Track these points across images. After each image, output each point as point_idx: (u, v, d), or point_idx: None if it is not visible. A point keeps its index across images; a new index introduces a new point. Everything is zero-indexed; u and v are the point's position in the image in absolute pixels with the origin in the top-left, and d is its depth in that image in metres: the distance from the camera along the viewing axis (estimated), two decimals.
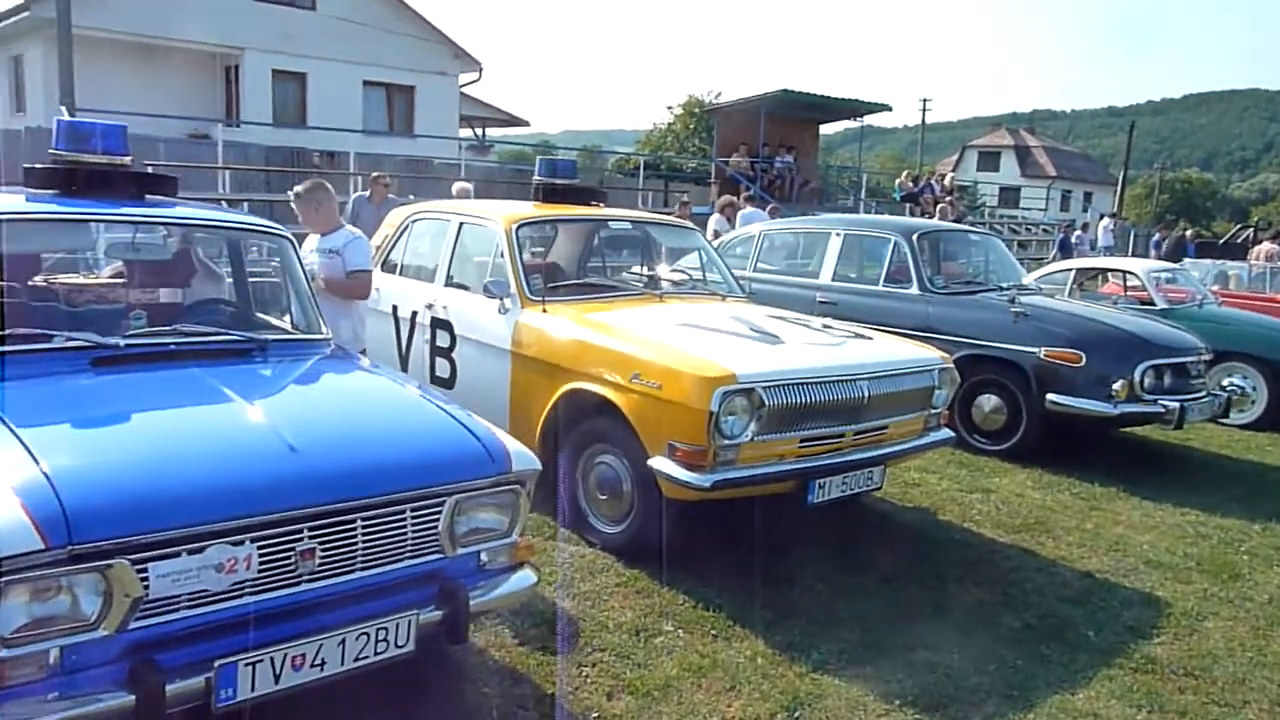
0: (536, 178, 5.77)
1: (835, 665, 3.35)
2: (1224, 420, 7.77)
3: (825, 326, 4.74)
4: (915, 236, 6.97)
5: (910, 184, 23.94)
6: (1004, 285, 6.88)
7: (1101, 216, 26.42)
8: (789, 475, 3.99)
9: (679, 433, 3.79)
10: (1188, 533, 5.05)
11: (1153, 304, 8.51)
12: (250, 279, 4.19)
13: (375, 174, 9.84)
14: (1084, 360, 5.90)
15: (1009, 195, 48.40)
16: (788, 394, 3.87)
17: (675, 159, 32.60)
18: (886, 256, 7.07)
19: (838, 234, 7.48)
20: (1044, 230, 25.81)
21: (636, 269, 5.68)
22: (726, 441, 3.77)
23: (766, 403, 3.80)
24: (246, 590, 2.31)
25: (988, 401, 6.37)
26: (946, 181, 24.85)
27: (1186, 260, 12.81)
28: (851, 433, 4.19)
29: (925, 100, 49.49)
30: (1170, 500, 5.58)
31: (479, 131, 32.74)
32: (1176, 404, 5.88)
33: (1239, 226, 15.77)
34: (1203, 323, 8.19)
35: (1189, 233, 18.56)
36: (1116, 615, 3.95)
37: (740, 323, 4.47)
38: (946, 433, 4.76)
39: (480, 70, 26.50)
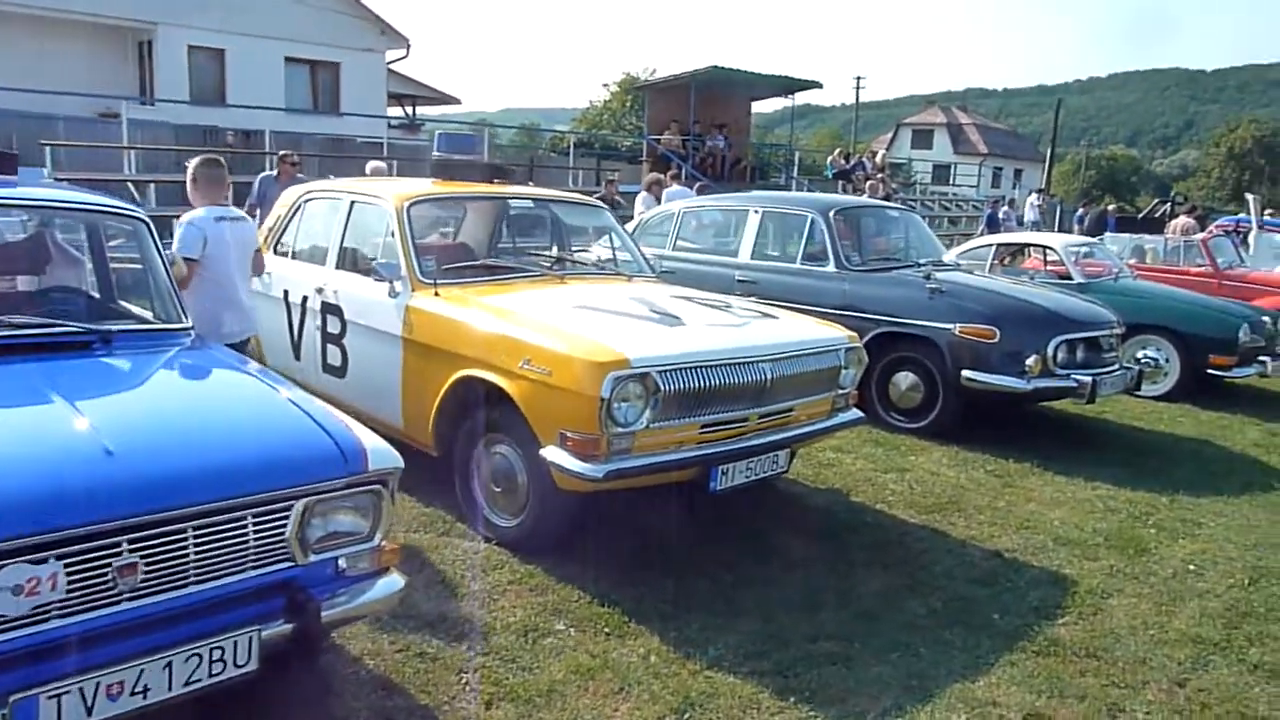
0: (434, 153, 5.53)
1: (732, 661, 3.21)
2: (1137, 393, 7.85)
3: (730, 307, 4.59)
4: (832, 213, 6.87)
5: (842, 161, 24.03)
6: (921, 262, 6.81)
7: (1030, 193, 26.87)
8: (690, 462, 3.83)
9: (570, 421, 3.61)
10: (1097, 507, 5.03)
11: (1070, 278, 8.56)
12: (117, 265, 3.90)
13: (283, 152, 9.43)
14: (998, 336, 5.86)
15: (943, 172, 49.12)
16: (685, 378, 3.71)
17: (610, 137, 32.27)
18: (804, 234, 6.95)
19: (756, 211, 7.34)
20: (974, 206, 26.15)
21: (544, 250, 5.45)
22: (620, 429, 3.60)
23: (662, 388, 3.64)
24: (53, 613, 2.07)
25: (904, 379, 6.31)
26: (878, 159, 24.98)
27: (1107, 235, 12.95)
28: (755, 416, 4.05)
29: (859, 78, 49.90)
30: (1082, 474, 5.58)
31: (409, 110, 32.08)
32: (1089, 378, 5.87)
33: (1156, 201, 16.07)
34: (1118, 296, 8.25)
35: (1111, 207, 18.90)
36: (1023, 596, 3.89)
37: (641, 304, 4.29)
38: (855, 413, 4.66)
39: (408, 47, 25.87)
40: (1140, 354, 8.08)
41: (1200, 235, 11.02)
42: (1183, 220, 14.23)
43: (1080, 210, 18.70)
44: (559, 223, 5.45)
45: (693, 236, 7.79)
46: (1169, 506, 5.13)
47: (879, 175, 24.52)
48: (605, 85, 20.25)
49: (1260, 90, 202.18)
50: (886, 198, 24.37)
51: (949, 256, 9.69)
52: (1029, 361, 5.76)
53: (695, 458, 3.84)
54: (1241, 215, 16.15)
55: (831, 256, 6.74)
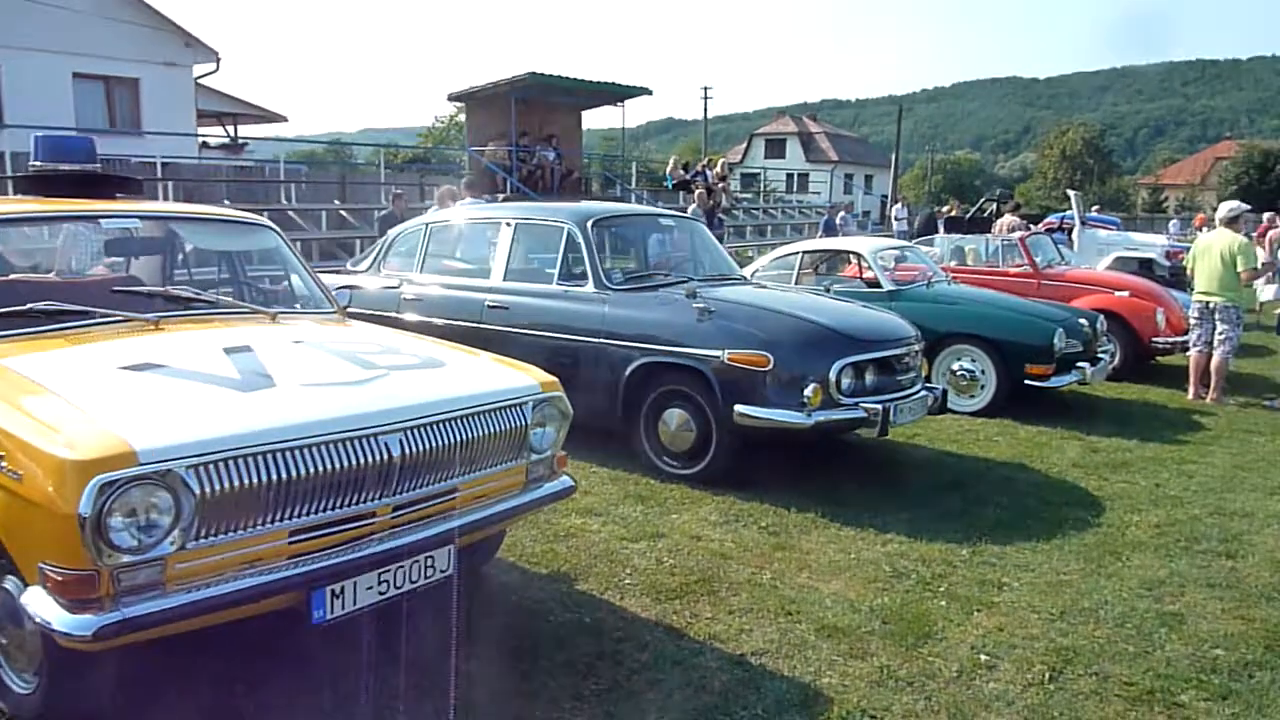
0: (31, 163, 4.17)
1: None
2: (953, 410, 7.12)
3: (391, 351, 3.43)
4: (590, 223, 5.80)
5: (681, 171, 23.36)
6: (693, 278, 5.82)
7: (894, 203, 26.79)
8: (274, 589, 2.63)
9: (47, 550, 2.36)
10: (883, 572, 4.09)
11: (879, 286, 7.80)
12: None
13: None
14: (771, 363, 4.89)
15: (799, 180, 49.66)
16: (244, 470, 2.51)
17: (444, 151, 30.85)
18: (561, 249, 5.86)
19: (509, 224, 6.21)
20: (817, 213, 25.91)
21: (175, 284, 4.14)
22: (131, 558, 2.38)
23: (201, 489, 2.43)
24: None
25: (674, 417, 5.29)
26: (718, 168, 24.42)
27: (937, 236, 12.46)
28: (388, 509, 2.89)
29: (707, 88, 50.00)
30: (875, 524, 4.66)
31: (230, 129, 30.11)
32: (879, 406, 4.98)
33: (982, 200, 15.89)
34: (928, 304, 7.56)
35: (944, 208, 18.75)
36: None
37: (234, 359, 3.06)
38: (563, 482, 3.55)
39: (218, 60, 23.98)
40: (955, 365, 7.36)
41: (1018, 234, 10.55)
42: (1008, 219, 13.95)
43: (898, 207, 18.41)
44: (186, 248, 4.17)
45: (443, 256, 6.61)
46: (968, 562, 4.23)
47: (719, 184, 24.02)
48: (451, 100, 18.96)
49: (1088, 95, 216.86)
50: (727, 209, 23.89)
51: (759, 264, 8.85)
52: (807, 392, 4.82)
53: (281, 581, 2.65)
54: (1066, 212, 16.09)
55: (590, 274, 5.67)
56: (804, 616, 3.62)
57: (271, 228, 4.43)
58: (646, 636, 3.44)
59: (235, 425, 2.57)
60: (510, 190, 17.61)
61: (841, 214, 19.87)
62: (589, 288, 5.65)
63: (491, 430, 3.16)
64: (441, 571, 3.08)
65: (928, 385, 5.72)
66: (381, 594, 2.89)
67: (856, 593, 3.86)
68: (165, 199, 14.68)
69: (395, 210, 10.98)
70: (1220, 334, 7.98)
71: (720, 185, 23.76)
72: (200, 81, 24.14)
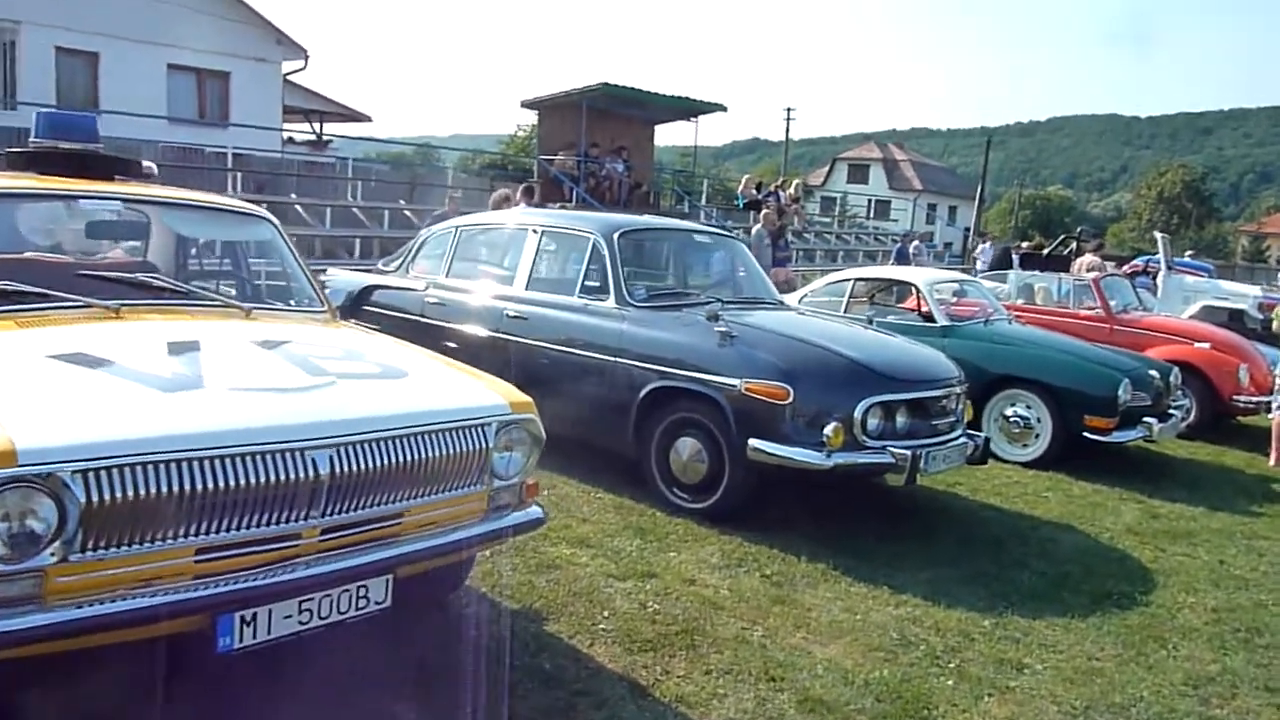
0: (32, 139, 4.06)
1: None
2: (1002, 459, 6.63)
3: (353, 356, 3.18)
4: (617, 235, 5.50)
5: (754, 190, 22.95)
6: (722, 299, 5.47)
7: (981, 237, 25.87)
8: (174, 611, 2.38)
9: None
10: (889, 639, 3.67)
11: (934, 320, 7.33)
12: None
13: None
14: (791, 396, 4.51)
15: (882, 207, 48.71)
16: (140, 478, 2.26)
17: (519, 159, 31.01)
18: (584, 260, 5.58)
19: (535, 231, 5.95)
20: (893, 240, 25.21)
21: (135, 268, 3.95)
22: (3, 568, 2.15)
23: (89, 497, 2.19)
24: None
25: (686, 446, 4.94)
26: (792, 189, 23.94)
27: (1010, 273, 11.83)
28: (315, 531, 2.62)
29: (789, 109, 49.61)
30: (891, 583, 4.23)
31: (316, 127, 30.88)
32: (908, 451, 4.55)
33: (1063, 236, 15.13)
34: (984, 343, 7.07)
35: (1022, 243, 17.96)
36: None
37: (175, 355, 2.84)
38: (531, 512, 3.23)
39: (306, 58, 24.58)
40: (1009, 410, 6.85)
41: (1092, 274, 9.92)
42: (1088, 259, 13.18)
43: (986, 245, 17.72)
44: (170, 234, 3.99)
45: (470, 261, 6.38)
46: (989, 635, 3.79)
47: (792, 206, 23.56)
48: (524, 106, 19.10)
49: (1190, 138, 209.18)
50: (799, 231, 23.37)
51: (809, 290, 8.45)
52: (827, 430, 4.42)
53: (183, 603, 2.39)
54: (1153, 256, 15.22)
55: (612, 288, 5.37)
56: (788, 684, 3.24)
57: (268, 219, 4.23)
58: (607, 692, 3.10)
59: (138, 429, 2.33)
60: (576, 200, 17.46)
61: (915, 243, 19.25)
62: (609, 303, 5.35)
63: (447, 452, 2.87)
64: (377, 603, 2.79)
65: (971, 432, 5.26)
66: (302, 624, 2.61)
67: (854, 661, 3.46)
68: (234, 190, 14.95)
69: (449, 212, 10.85)
70: None
71: (793, 207, 23.30)
72: (289, 78, 24.79)
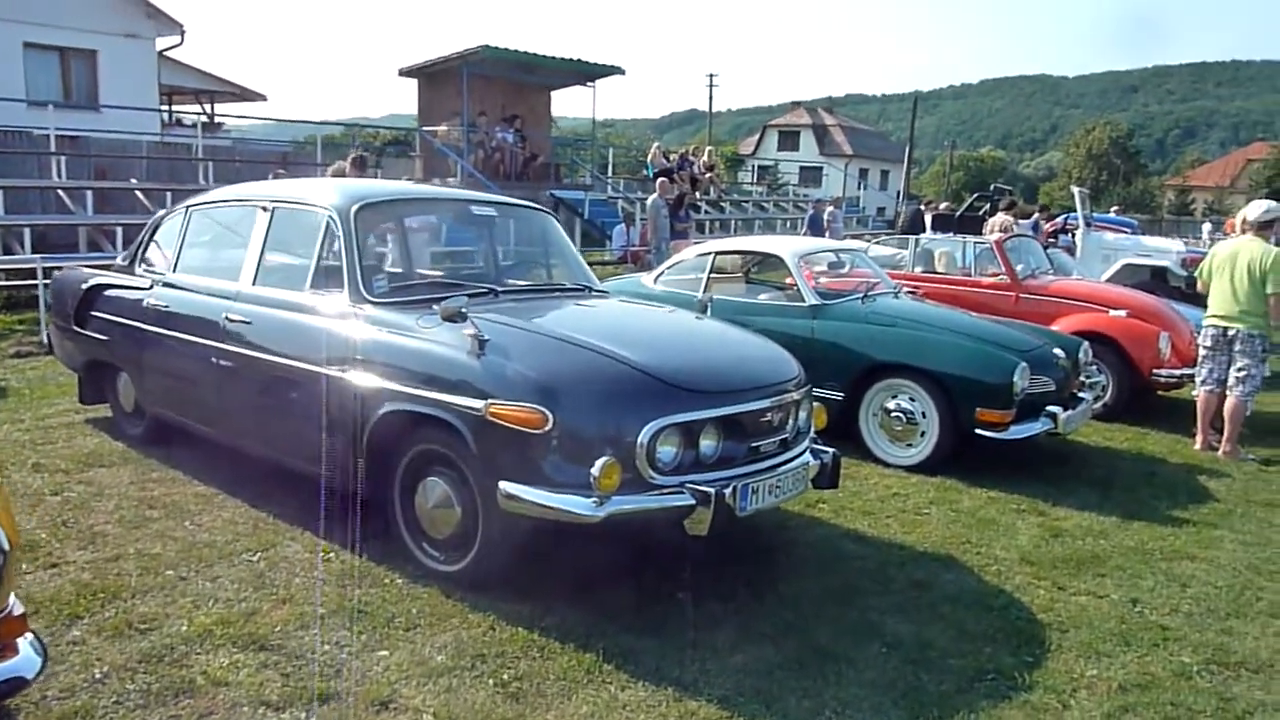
0: None
1: None
2: (884, 462, 5.52)
3: None
4: (356, 209, 4.18)
5: (664, 159, 21.70)
6: (498, 289, 4.20)
7: (912, 200, 24.89)
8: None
9: None
10: None
11: (801, 299, 6.16)
12: None
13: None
14: (549, 421, 3.27)
15: (813, 174, 47.73)
16: None
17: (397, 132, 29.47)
18: (318, 243, 4.27)
19: (264, 209, 4.61)
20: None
21: None
22: None
23: None
24: None
25: (434, 488, 3.68)
26: (706, 157, 22.75)
27: (923, 236, 10.72)
28: None
29: (712, 76, 48.30)
30: (683, 679, 3.03)
31: (207, 108, 29.25)
32: (712, 489, 3.33)
33: (975, 196, 14.13)
34: (859, 324, 5.93)
35: (942, 205, 16.94)
36: None
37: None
38: (11, 667, 1.96)
39: (182, 32, 22.76)
40: (890, 404, 5.71)
41: (996, 236, 8.85)
42: (1001, 218, 12.18)
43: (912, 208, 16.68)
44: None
45: (199, 249, 5.02)
46: None
47: (707, 174, 22.40)
48: (402, 74, 17.47)
49: (1117, 96, 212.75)
50: (714, 200, 22.20)
51: (663, 268, 7.22)
52: (595, 469, 3.18)
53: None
54: (1073, 213, 14.28)
55: (346, 280, 4.07)
56: None
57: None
58: None
59: None
60: (461, 175, 16.03)
61: (830, 209, 18.15)
62: (342, 299, 4.05)
63: None
64: None
65: (817, 448, 4.07)
66: None
67: None
68: (59, 175, 13.20)
69: None
70: (1239, 370, 6.27)
71: (707, 175, 22.14)
72: (168, 55, 23.02)
